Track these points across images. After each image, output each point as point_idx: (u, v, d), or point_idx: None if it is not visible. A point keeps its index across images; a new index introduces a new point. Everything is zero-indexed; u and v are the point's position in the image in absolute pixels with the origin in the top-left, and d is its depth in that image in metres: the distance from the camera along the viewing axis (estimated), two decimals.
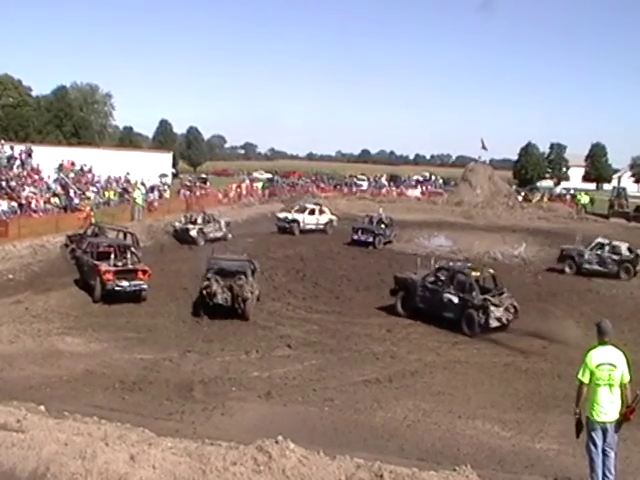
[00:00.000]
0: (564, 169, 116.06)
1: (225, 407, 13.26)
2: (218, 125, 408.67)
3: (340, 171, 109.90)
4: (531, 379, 15.69)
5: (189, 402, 13.58)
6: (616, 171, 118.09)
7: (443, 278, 21.57)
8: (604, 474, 8.33)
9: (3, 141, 47.02)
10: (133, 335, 18.51)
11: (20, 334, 17.85)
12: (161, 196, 54.66)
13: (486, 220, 52.92)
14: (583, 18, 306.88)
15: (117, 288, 21.78)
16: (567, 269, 30.99)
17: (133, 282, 22.10)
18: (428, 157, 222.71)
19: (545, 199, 69.97)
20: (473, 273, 21.24)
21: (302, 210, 43.26)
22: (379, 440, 11.75)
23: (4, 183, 40.32)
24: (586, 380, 8.27)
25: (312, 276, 27.33)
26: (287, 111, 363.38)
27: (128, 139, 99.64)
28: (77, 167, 50.71)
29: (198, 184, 65.09)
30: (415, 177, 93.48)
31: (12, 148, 45.59)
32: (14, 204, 37.34)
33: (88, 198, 44.92)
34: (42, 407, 11.02)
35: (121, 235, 27.60)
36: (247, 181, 68.00)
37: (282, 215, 43.20)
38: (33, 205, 38.67)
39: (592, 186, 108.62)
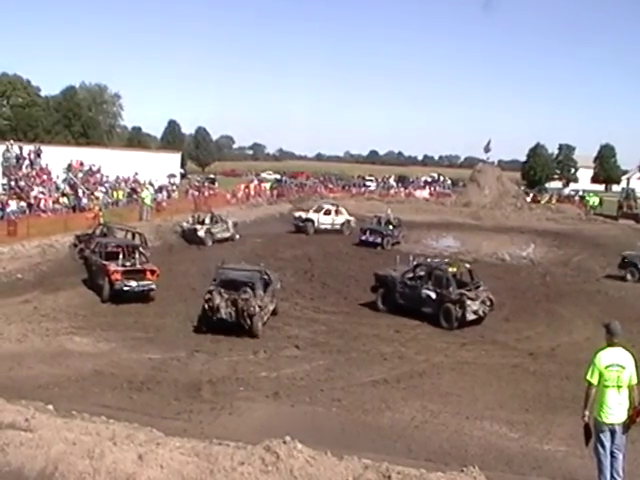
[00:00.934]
0: (573, 170, 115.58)
1: (233, 407, 13.25)
2: (226, 125, 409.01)
3: (348, 172, 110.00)
4: (539, 380, 15.62)
5: (197, 402, 13.58)
6: (625, 172, 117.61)
7: (421, 274, 22.06)
8: (612, 476, 8.31)
9: (12, 141, 47.22)
10: (141, 335, 18.52)
11: (29, 333, 17.88)
12: (169, 196, 54.85)
13: (494, 221, 52.82)
14: (592, 19, 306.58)
15: (125, 288, 21.81)
16: (629, 276, 29.47)
17: (141, 282, 22.13)
18: (436, 158, 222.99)
19: (553, 200, 69.84)
20: (450, 269, 21.72)
21: (318, 210, 43.54)
22: (387, 441, 11.72)
23: (13, 183, 40.58)
24: (594, 381, 8.25)
25: (320, 276, 27.33)
26: (295, 112, 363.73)
27: (137, 139, 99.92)
28: (86, 167, 50.86)
29: (206, 184, 65.22)
30: (423, 178, 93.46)
31: (21, 148, 45.77)
32: (23, 204, 37.54)
33: (97, 198, 45.06)
34: (50, 406, 11.06)
35: (129, 235, 27.66)
36: (255, 181, 68.06)
37: (298, 214, 43.72)
38: (42, 205, 38.87)
39: (601, 187, 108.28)
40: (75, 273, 25.21)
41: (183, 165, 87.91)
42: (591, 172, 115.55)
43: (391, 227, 38.76)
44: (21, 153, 45.10)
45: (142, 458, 7.46)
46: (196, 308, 19.90)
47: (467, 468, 8.21)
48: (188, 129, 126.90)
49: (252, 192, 59.53)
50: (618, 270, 30.03)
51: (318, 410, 13.30)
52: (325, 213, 43.08)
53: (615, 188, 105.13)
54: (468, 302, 20.12)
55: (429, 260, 24.22)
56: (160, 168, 61.13)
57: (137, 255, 23.66)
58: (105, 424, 9.63)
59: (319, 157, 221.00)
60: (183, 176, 78.21)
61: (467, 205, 59.89)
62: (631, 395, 8.29)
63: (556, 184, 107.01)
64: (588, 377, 8.30)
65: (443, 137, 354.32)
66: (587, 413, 8.28)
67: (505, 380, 15.62)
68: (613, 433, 8.30)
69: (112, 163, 52.83)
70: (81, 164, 50.51)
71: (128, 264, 22.87)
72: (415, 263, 23.08)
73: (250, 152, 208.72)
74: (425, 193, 74.90)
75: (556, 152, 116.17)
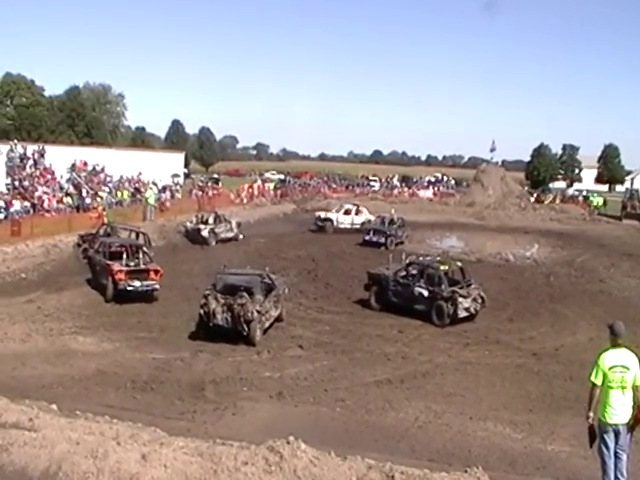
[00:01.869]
0: (576, 170, 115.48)
1: (236, 407, 13.25)
2: (230, 125, 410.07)
3: (352, 172, 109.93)
4: (543, 381, 15.60)
5: (200, 402, 13.58)
6: (629, 173, 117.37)
7: (414, 272, 22.34)
8: (616, 477, 8.31)
9: (16, 141, 47.28)
10: (145, 335, 18.52)
11: (32, 333, 17.89)
12: (173, 196, 54.94)
13: (498, 221, 52.73)
14: (597, 18, 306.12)
15: (129, 288, 21.82)
16: None
17: (145, 282, 22.13)
18: (440, 158, 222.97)
19: (557, 200, 69.80)
20: (441, 267, 21.97)
21: (338, 210, 44.39)
22: (390, 441, 11.73)
23: (17, 183, 40.67)
24: (598, 382, 8.26)
25: (324, 276, 27.32)
26: (299, 112, 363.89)
27: (140, 139, 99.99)
28: (90, 167, 51.00)
29: (210, 184, 65.25)
30: (427, 178, 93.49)
31: (25, 148, 45.87)
32: (27, 204, 37.65)
33: (100, 198, 45.14)
34: (54, 406, 11.09)
35: (133, 235, 27.67)
36: (259, 181, 68.07)
37: (318, 214, 44.82)
38: (46, 205, 39.00)
39: (605, 188, 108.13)
40: (79, 273, 25.24)
41: (187, 165, 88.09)
42: (595, 172, 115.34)
43: (395, 227, 38.73)
44: (25, 153, 45.24)
45: (146, 458, 7.47)
46: (199, 308, 19.93)
47: (471, 468, 8.22)
48: (192, 129, 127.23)
49: (256, 192, 59.52)
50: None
51: (322, 410, 13.30)
52: (345, 213, 43.76)
53: (619, 188, 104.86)
54: (460, 299, 20.45)
55: (421, 259, 24.51)
56: (164, 168, 61.28)
57: (141, 255, 23.65)
58: (109, 424, 9.65)
59: (323, 157, 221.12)
60: (187, 176, 78.32)
61: (471, 205, 59.84)
62: (635, 396, 8.29)
63: (560, 184, 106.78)
64: (592, 378, 8.31)
65: (447, 137, 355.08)
66: (591, 414, 8.29)
67: (509, 380, 15.61)
68: (617, 434, 8.30)
69: (116, 163, 52.99)
70: (85, 164, 50.63)
71: (132, 264, 22.86)
72: (407, 262, 23.32)
73: (254, 152, 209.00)
74: (429, 193, 74.91)
75: (560, 152, 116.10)
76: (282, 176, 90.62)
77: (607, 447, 8.31)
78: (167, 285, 23.01)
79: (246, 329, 17.62)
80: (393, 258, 24.82)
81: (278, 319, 19.81)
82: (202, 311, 18.06)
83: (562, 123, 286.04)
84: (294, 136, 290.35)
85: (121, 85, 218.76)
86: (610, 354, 8.36)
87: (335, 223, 42.87)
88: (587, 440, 8.56)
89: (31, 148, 46.80)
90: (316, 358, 16.78)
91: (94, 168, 51.24)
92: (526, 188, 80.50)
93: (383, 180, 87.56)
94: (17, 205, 37.03)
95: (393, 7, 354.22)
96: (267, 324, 18.79)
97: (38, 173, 44.16)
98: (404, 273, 22.53)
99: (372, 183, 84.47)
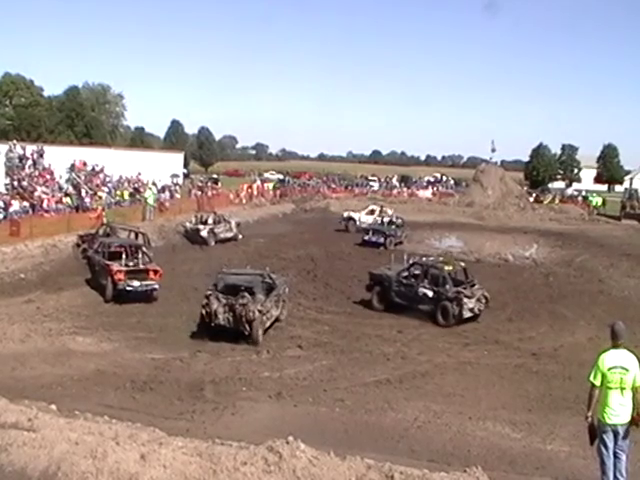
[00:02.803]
0: (576, 170, 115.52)
1: (236, 407, 13.26)
2: (229, 126, 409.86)
3: (351, 172, 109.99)
4: (542, 381, 15.61)
5: (200, 402, 13.58)
6: (628, 172, 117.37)
7: (417, 273, 22.33)
8: (615, 477, 8.32)
9: (15, 141, 47.25)
10: (144, 335, 18.52)
11: (31, 333, 17.89)
12: (172, 196, 54.89)
13: (497, 221, 52.78)
14: (596, 18, 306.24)
15: (128, 288, 21.83)
16: None
17: (144, 282, 22.15)
18: (439, 158, 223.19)
19: (556, 200, 69.80)
20: (446, 267, 22.01)
21: (363, 209, 45.32)
22: (389, 441, 11.73)
23: (16, 183, 40.60)
24: (598, 383, 8.26)
25: (323, 277, 27.32)
26: (298, 112, 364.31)
27: (140, 139, 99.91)
28: (89, 167, 50.89)
29: (209, 184, 65.20)
30: (426, 178, 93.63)
31: (24, 148, 45.78)
32: (26, 204, 37.59)
33: (100, 198, 45.08)
34: (53, 406, 11.08)
35: (132, 235, 27.70)
36: (258, 181, 67.99)
37: (343, 213, 46.00)
38: (45, 205, 38.91)
39: (604, 187, 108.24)
40: (78, 273, 25.25)
41: (186, 165, 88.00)
42: (594, 172, 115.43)
43: (394, 227, 38.72)
44: (24, 153, 45.16)
45: (145, 458, 7.47)
46: (199, 308, 19.88)
47: (470, 468, 8.21)
48: (191, 129, 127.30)
49: (255, 192, 59.47)
50: None
51: (321, 410, 13.30)
52: (368, 213, 44.26)
53: (618, 188, 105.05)
54: (465, 300, 20.49)
55: (424, 259, 24.39)
56: (163, 168, 61.20)
57: (140, 255, 23.68)
58: (108, 424, 9.63)
59: (322, 157, 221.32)
60: (186, 176, 78.21)
61: (470, 205, 59.87)
62: (635, 397, 8.29)
63: (559, 184, 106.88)
64: (591, 379, 8.32)
65: (446, 137, 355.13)
66: (590, 414, 8.30)
67: (508, 380, 15.62)
68: (616, 434, 8.30)
69: (115, 163, 52.89)
70: (84, 164, 50.54)
71: (131, 264, 22.89)
72: (411, 262, 23.29)
73: (253, 152, 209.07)
74: (428, 193, 74.89)
75: (559, 152, 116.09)
76: (281, 176, 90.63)
77: (606, 447, 8.31)
78: (166, 285, 23.01)
79: (248, 329, 17.72)
80: (395, 258, 24.77)
81: (278, 319, 19.85)
82: (204, 311, 18.20)
83: (561, 123, 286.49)
84: (293, 136, 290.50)
85: (120, 85, 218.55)
86: (610, 355, 8.37)
87: (357, 222, 43.29)
88: (587, 439, 8.58)
89: (30, 148, 46.72)
90: (315, 358, 16.80)
91: (93, 168, 51.16)
92: (525, 188, 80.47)
93: (382, 180, 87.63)
94: (16, 205, 36.95)
95: (392, 6, 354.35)
96: (268, 323, 18.84)
97: (37, 173, 44.10)
98: (407, 273, 22.54)
99: (371, 183, 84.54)
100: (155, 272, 22.50)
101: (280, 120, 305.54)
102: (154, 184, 52.13)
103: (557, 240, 42.29)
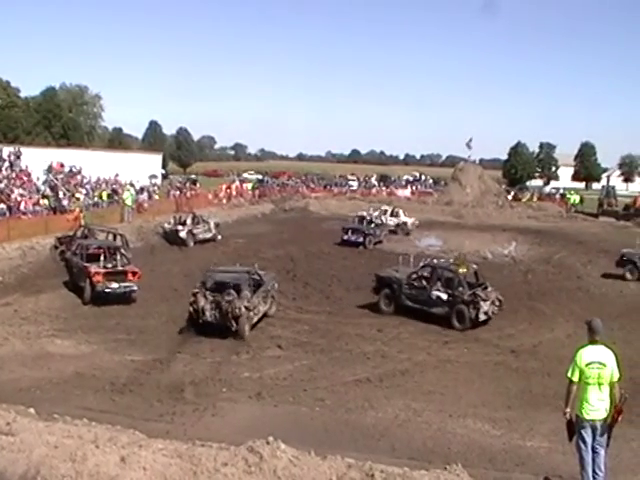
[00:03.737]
0: (553, 168, 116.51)
1: (216, 408, 13.23)
2: (208, 126, 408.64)
3: (330, 171, 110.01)
4: (521, 377, 15.70)
5: (180, 403, 13.53)
6: (605, 170, 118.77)
7: (428, 275, 21.84)
8: (594, 472, 8.39)
9: None
10: (123, 337, 18.42)
11: (9, 336, 17.74)
12: (151, 197, 54.53)
13: (476, 219, 53.02)
14: (573, 17, 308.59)
15: (107, 290, 21.72)
16: (628, 275, 28.53)
17: (123, 284, 22.04)
18: (418, 157, 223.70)
19: (535, 198, 70.20)
20: (460, 269, 21.58)
21: (374, 211, 44.51)
22: (370, 440, 11.75)
23: None
24: (575, 378, 8.33)
25: (302, 276, 27.30)
26: (277, 112, 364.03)
27: (118, 140, 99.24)
28: (66, 168, 50.54)
29: (188, 185, 64.99)
30: (405, 177, 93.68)
31: (0, 150, 45.41)
32: (3, 206, 37.20)
33: (77, 199, 44.72)
34: (32, 410, 10.97)
35: (111, 237, 27.50)
36: (237, 182, 67.81)
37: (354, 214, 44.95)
38: (22, 207, 38.54)
39: (581, 185, 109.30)
40: (56, 275, 25.08)
41: (164, 166, 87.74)
42: (572, 170, 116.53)
43: (373, 226, 38.75)
44: (1, 155, 44.80)
45: (125, 460, 7.44)
46: (178, 309, 19.86)
47: (450, 466, 8.26)
48: (169, 130, 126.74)
49: (234, 192, 59.31)
50: (616, 268, 29.32)
51: (301, 410, 13.30)
52: (381, 213, 43.69)
53: (595, 186, 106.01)
54: (481, 303, 20.06)
55: (436, 261, 23.90)
56: (141, 169, 61.01)
57: (118, 257, 23.57)
58: (87, 427, 9.57)
59: (301, 157, 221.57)
60: (164, 177, 77.94)
61: (449, 204, 60.03)
62: (612, 392, 8.37)
63: (537, 182, 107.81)
64: (569, 375, 8.39)
65: (425, 136, 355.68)
66: (568, 410, 8.37)
67: (488, 378, 15.69)
68: (594, 429, 8.38)
69: (93, 164, 52.60)
70: (62, 165, 50.19)
71: (109, 266, 22.78)
72: (422, 264, 22.81)
73: (232, 152, 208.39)
74: (407, 192, 75.19)
75: (537, 150, 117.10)
76: (260, 176, 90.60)
77: (585, 442, 8.39)
78: (145, 286, 22.91)
79: (234, 325, 18.24)
80: (402, 260, 24.63)
81: (266, 314, 20.19)
82: (191, 308, 18.72)
83: (539, 121, 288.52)
84: (272, 136, 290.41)
85: (98, 86, 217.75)
86: (587, 351, 8.44)
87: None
88: (566, 435, 8.64)
89: (7, 150, 46.37)
90: (295, 358, 16.79)
91: (71, 169, 50.82)
92: (503, 186, 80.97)
93: (361, 179, 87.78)
94: None
95: (373, 6, 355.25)
96: (255, 319, 19.20)
97: (14, 175, 43.68)
98: (418, 276, 21.96)
99: (350, 182, 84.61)
100: (134, 273, 22.40)
101: (259, 120, 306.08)
102: (132, 185, 51.84)
103: (535, 237, 42.56)
